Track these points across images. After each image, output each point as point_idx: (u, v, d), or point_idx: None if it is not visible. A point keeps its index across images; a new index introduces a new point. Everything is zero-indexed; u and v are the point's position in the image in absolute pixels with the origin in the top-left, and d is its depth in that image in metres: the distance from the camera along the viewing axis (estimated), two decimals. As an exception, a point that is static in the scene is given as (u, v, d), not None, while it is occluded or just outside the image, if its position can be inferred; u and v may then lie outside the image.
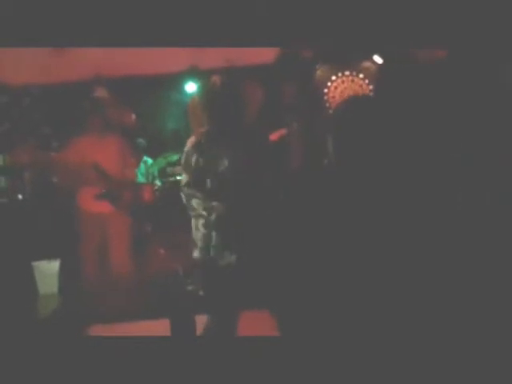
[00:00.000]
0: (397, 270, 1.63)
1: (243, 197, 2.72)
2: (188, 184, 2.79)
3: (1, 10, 2.60)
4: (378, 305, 1.63)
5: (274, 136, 5.16)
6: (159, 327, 2.42)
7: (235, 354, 1.79)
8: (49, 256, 2.40)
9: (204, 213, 2.67)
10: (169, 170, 6.11)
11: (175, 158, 5.80)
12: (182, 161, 2.85)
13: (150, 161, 5.89)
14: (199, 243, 2.62)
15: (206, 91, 2.87)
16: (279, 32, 2.94)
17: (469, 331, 1.61)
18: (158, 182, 5.83)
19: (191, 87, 6.39)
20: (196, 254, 2.50)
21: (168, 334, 2.35)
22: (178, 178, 6.04)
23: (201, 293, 2.19)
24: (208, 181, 2.72)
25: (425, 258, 1.63)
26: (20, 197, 5.13)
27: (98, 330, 2.19)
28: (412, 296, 1.62)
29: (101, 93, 5.78)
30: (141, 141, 5.86)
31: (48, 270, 2.32)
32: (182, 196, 2.82)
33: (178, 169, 6.00)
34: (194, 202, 2.74)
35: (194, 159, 2.77)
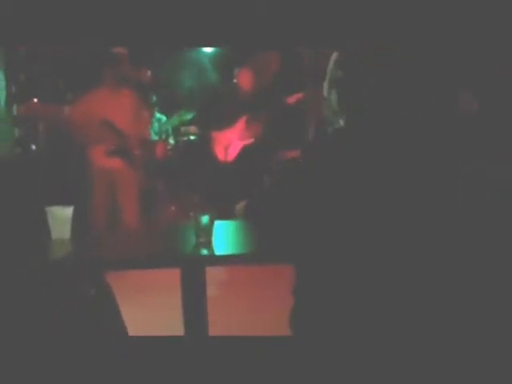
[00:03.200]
0: (394, 259, 1.63)
1: None
2: None
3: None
4: (374, 301, 1.63)
5: (291, 100, 5.13)
6: (170, 276, 2.44)
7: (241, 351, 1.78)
8: (62, 202, 2.40)
9: None
10: (182, 128, 6.08)
11: (189, 116, 5.77)
12: None
13: (163, 118, 5.86)
14: None
15: None
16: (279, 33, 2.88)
17: (469, 331, 1.61)
18: (171, 141, 5.81)
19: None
20: None
21: (177, 283, 2.37)
22: (192, 137, 6.02)
23: (212, 245, 2.19)
24: None
25: (426, 242, 1.63)
26: (33, 147, 5.13)
27: (109, 277, 2.21)
28: (410, 290, 1.62)
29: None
30: (154, 98, 5.83)
31: (61, 216, 2.32)
32: None
33: (192, 128, 5.98)
34: None
35: None
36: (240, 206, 2.86)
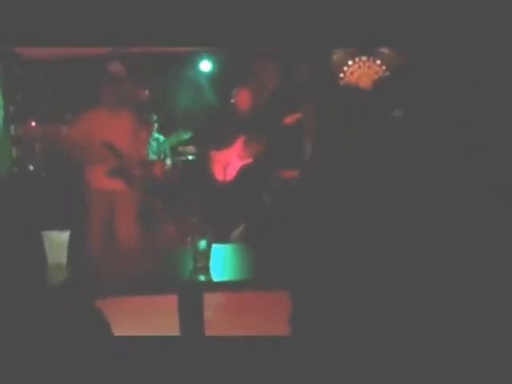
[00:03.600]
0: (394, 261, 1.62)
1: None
2: None
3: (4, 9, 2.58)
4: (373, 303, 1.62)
5: (289, 119, 5.14)
6: (167, 303, 2.41)
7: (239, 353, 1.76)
8: (58, 226, 2.38)
9: None
10: (180, 148, 6.08)
11: (187, 136, 5.76)
12: None
13: (161, 138, 5.85)
14: None
15: None
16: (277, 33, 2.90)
17: (469, 331, 1.60)
18: (168, 161, 5.80)
19: (206, 65, 6.35)
20: None
21: (175, 307, 2.35)
22: (190, 157, 6.02)
23: (210, 270, 2.16)
24: None
25: (425, 243, 1.63)
26: (31, 168, 5.12)
27: (106, 303, 2.18)
28: (411, 292, 1.61)
29: (115, 67, 5.76)
30: (153, 117, 5.83)
31: (58, 240, 2.30)
32: None
33: (190, 148, 5.98)
34: None
35: None
36: (237, 232, 2.85)
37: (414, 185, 1.69)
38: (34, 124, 5.14)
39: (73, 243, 2.34)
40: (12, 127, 5.57)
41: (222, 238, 4.13)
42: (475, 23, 2.57)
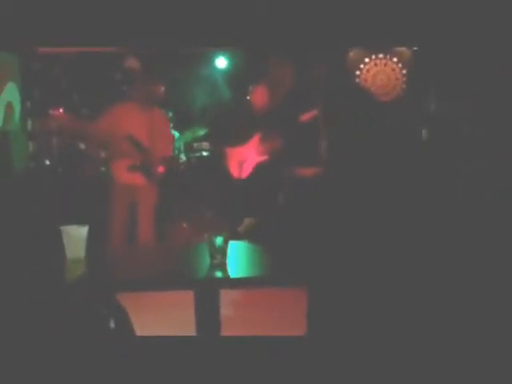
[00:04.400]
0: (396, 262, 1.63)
1: None
2: None
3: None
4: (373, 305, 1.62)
5: (305, 117, 5.12)
6: (183, 298, 2.42)
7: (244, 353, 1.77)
8: (76, 221, 2.39)
9: None
10: (195, 145, 6.09)
11: (202, 132, 5.78)
12: None
13: (176, 134, 5.87)
14: None
15: None
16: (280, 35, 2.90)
17: (469, 331, 1.60)
18: (183, 157, 5.82)
19: (222, 62, 6.36)
20: None
21: (191, 305, 2.36)
22: (204, 153, 6.03)
23: (227, 266, 2.17)
24: None
25: (426, 241, 1.63)
26: (47, 162, 5.15)
27: (122, 298, 2.19)
28: (411, 291, 1.61)
29: (132, 63, 5.78)
30: (170, 113, 5.84)
31: (77, 235, 2.31)
32: None
33: (205, 144, 5.99)
34: None
35: None
36: (246, 222, 2.84)
37: (416, 185, 1.69)
38: (50, 118, 5.17)
39: (91, 238, 2.35)
40: (29, 121, 5.61)
41: (238, 235, 4.13)
42: (476, 24, 2.55)
